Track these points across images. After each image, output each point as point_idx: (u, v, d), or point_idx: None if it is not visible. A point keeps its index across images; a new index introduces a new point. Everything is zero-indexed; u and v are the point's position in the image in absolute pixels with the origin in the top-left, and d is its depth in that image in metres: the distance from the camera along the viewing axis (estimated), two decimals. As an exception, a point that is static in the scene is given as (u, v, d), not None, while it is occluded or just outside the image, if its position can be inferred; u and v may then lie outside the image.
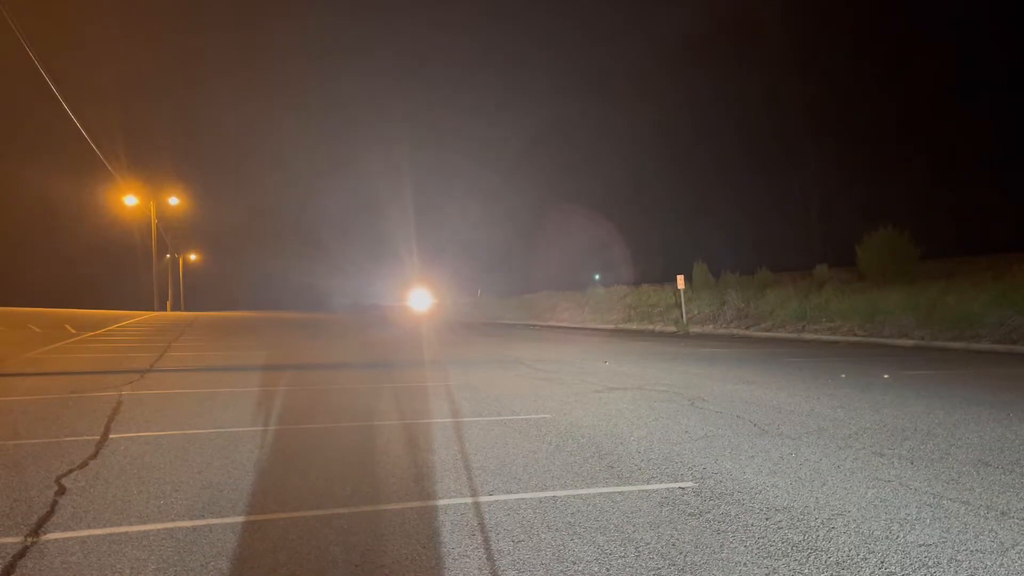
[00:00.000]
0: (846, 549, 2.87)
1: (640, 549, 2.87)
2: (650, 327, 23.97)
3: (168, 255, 55.65)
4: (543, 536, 3.01)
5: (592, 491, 3.69)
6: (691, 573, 2.63)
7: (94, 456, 4.41)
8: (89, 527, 3.08)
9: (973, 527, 3.14)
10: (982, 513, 3.34)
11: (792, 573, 2.64)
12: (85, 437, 4.96)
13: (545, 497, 3.58)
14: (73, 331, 18.60)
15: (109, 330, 19.90)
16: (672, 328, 22.65)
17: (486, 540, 2.96)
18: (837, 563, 2.73)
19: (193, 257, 68.38)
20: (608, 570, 2.66)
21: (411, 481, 3.86)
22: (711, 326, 21.74)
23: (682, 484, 3.82)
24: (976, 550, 2.86)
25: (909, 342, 15.16)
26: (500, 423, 5.62)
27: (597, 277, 44.33)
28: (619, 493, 3.66)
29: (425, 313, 49.40)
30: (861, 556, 2.80)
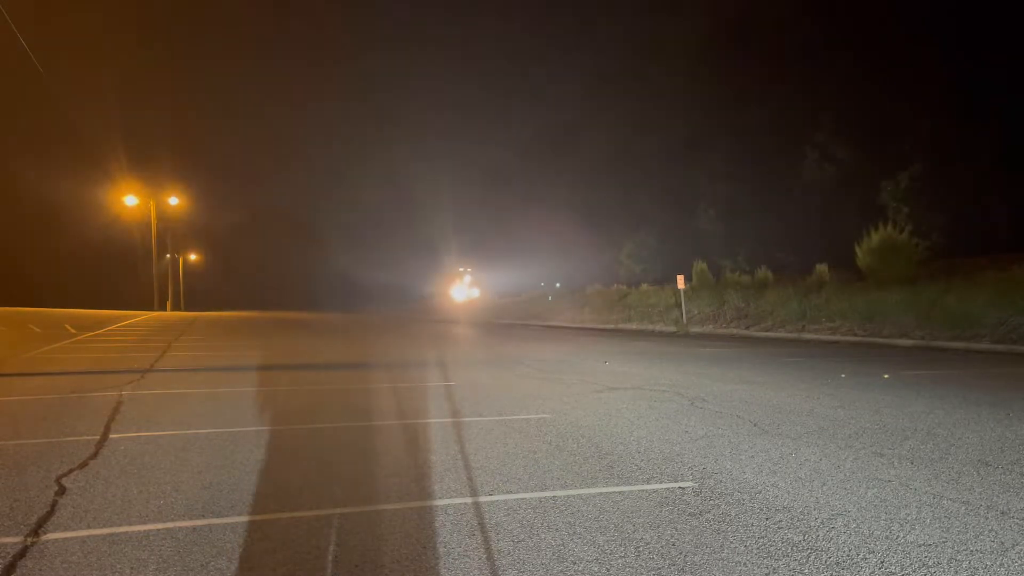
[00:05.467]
0: (846, 549, 2.87)
1: (640, 549, 2.87)
2: (650, 327, 23.98)
3: (168, 255, 55.65)
4: (543, 536, 3.01)
5: (592, 491, 3.69)
6: (691, 573, 2.63)
7: (94, 456, 4.41)
8: (89, 527, 3.08)
9: (973, 527, 3.14)
10: (982, 513, 3.34)
11: (792, 573, 2.64)
12: (85, 437, 4.96)
13: (545, 497, 3.58)
14: (73, 331, 18.60)
15: (109, 330, 19.90)
16: (672, 328, 22.65)
17: (486, 540, 2.96)
18: (837, 563, 2.73)
19: (193, 257, 68.43)
20: (608, 570, 2.66)
21: (411, 481, 3.86)
22: (711, 326, 21.75)
23: (682, 484, 3.82)
24: (976, 550, 2.86)
25: (909, 342, 15.16)
26: (500, 423, 5.62)
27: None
28: (619, 493, 3.66)
29: (423, 313, 49.32)
30: (861, 556, 2.80)
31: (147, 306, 44.78)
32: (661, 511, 3.35)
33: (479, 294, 57.26)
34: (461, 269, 61.75)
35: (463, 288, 59.77)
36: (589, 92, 45.00)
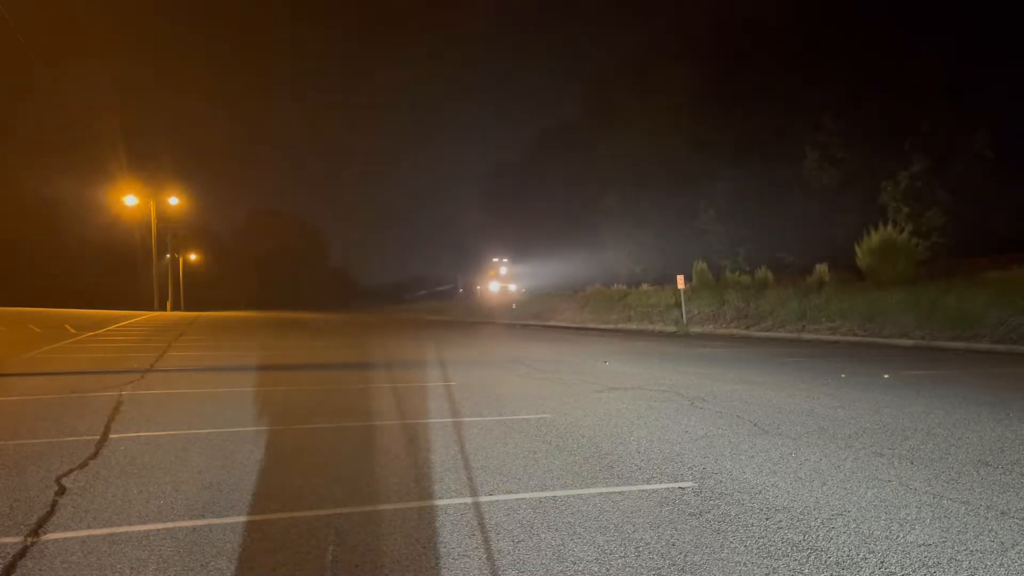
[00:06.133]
0: (846, 549, 2.87)
1: (640, 549, 2.87)
2: (650, 327, 23.97)
3: (168, 255, 55.66)
4: (543, 536, 3.01)
5: (592, 491, 3.69)
6: (691, 573, 2.63)
7: (94, 456, 4.41)
8: (89, 527, 3.08)
9: (973, 527, 3.14)
10: (982, 513, 3.34)
11: (792, 573, 2.64)
12: (85, 437, 4.96)
13: (545, 497, 3.58)
14: (73, 331, 18.60)
15: (109, 330, 19.90)
16: (672, 328, 22.64)
17: (486, 540, 2.96)
18: (837, 563, 2.73)
19: (193, 257, 68.43)
20: (608, 570, 2.66)
21: (411, 481, 3.86)
22: (711, 326, 21.74)
23: (682, 484, 3.82)
24: (976, 550, 2.86)
25: (909, 342, 15.16)
26: (500, 423, 5.62)
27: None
28: (619, 493, 3.66)
29: (426, 313, 49.26)
30: (861, 556, 2.80)
31: (147, 306, 44.80)
32: (661, 511, 3.35)
33: (515, 289, 50.93)
34: (496, 260, 54.86)
35: (498, 282, 53.29)
36: (591, 92, 44.98)
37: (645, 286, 29.86)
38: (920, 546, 2.90)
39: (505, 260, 54.05)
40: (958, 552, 2.84)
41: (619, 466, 4.22)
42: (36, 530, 3.03)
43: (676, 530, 3.08)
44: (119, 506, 3.38)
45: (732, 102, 29.99)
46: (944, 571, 2.66)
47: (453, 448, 4.68)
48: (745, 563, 2.72)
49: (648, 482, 3.86)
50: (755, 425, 5.53)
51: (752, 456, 4.48)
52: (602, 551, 2.84)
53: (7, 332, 17.64)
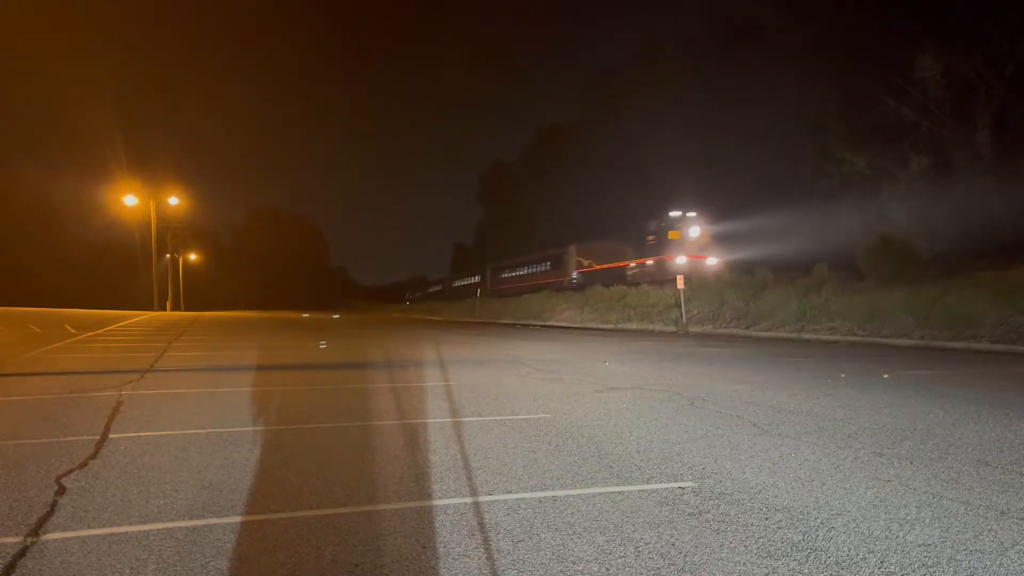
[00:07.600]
0: (846, 549, 2.87)
1: (640, 549, 2.87)
2: (650, 327, 23.98)
3: (168, 255, 55.67)
4: (543, 536, 3.01)
5: (592, 491, 3.69)
6: (691, 573, 2.63)
7: (94, 456, 4.40)
8: (89, 527, 3.08)
9: (973, 527, 3.14)
10: (982, 513, 3.34)
11: (792, 573, 2.64)
12: (85, 437, 4.96)
13: (545, 497, 3.58)
14: (73, 331, 18.60)
15: (109, 330, 19.90)
16: (672, 328, 22.65)
17: (486, 540, 2.96)
18: (837, 563, 2.73)
19: (193, 257, 68.45)
20: (608, 570, 2.66)
21: (411, 481, 3.86)
22: (710, 326, 21.75)
23: (682, 484, 3.82)
24: (976, 550, 2.86)
25: (909, 342, 15.16)
26: (500, 423, 5.62)
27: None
28: (619, 493, 3.66)
29: (425, 314, 49.27)
30: (861, 556, 2.80)
31: (147, 306, 44.84)
32: (661, 511, 3.35)
33: (716, 264, 28.63)
34: (676, 213, 29.33)
35: (685, 254, 28.82)
36: (590, 92, 45.03)
37: (645, 286, 29.84)
38: (920, 546, 2.90)
39: (692, 214, 29.50)
40: (958, 552, 2.84)
41: (619, 466, 4.22)
42: (36, 530, 3.02)
43: (676, 530, 3.08)
44: (119, 506, 3.38)
45: (733, 102, 29.96)
46: (944, 571, 2.66)
47: (453, 448, 4.68)
48: (745, 563, 2.72)
49: (648, 482, 3.86)
50: (755, 425, 5.53)
51: (752, 456, 4.48)
52: (602, 551, 2.84)
53: (7, 332, 17.64)
